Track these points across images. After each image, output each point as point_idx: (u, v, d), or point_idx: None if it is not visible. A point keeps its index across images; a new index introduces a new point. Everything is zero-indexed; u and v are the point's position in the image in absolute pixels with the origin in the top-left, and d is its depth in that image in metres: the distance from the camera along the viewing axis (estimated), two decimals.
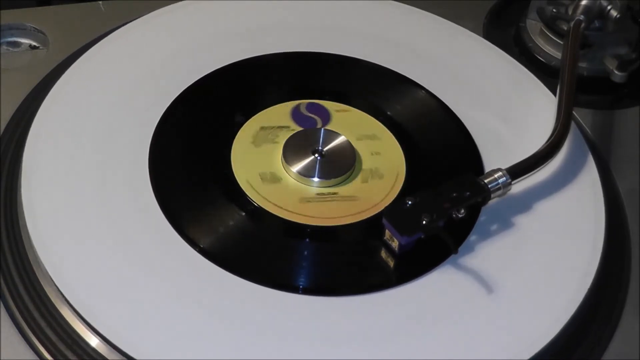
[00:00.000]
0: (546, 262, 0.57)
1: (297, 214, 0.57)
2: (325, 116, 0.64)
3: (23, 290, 0.54)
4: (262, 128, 0.62)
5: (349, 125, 0.64)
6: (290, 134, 0.62)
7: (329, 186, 0.59)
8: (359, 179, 0.61)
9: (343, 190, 0.60)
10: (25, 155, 0.58)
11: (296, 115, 0.63)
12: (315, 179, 0.59)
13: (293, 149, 0.61)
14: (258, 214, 0.57)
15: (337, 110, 0.65)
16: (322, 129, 0.62)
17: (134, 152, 0.60)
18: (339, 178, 0.60)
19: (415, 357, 0.51)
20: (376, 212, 0.58)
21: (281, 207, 0.57)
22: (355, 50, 0.69)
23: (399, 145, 0.63)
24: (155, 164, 0.59)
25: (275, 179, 0.59)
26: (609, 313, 0.57)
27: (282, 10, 0.72)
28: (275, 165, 0.60)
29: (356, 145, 0.62)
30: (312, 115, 0.64)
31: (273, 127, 0.62)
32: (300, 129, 0.62)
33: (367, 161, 0.62)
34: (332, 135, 0.62)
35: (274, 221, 0.57)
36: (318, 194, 0.59)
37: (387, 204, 0.58)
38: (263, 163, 0.60)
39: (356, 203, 0.59)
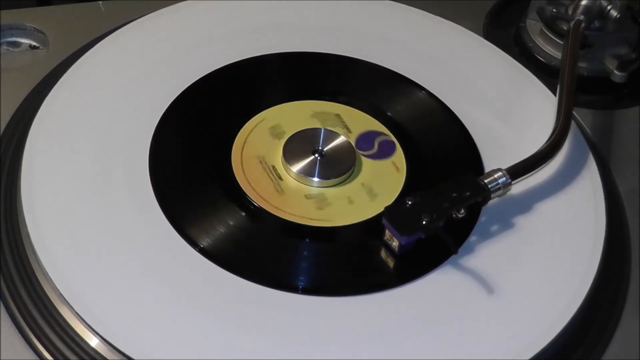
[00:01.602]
0: (546, 262, 0.57)
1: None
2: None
3: (23, 290, 0.54)
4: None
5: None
6: (291, 134, 0.62)
7: (330, 186, 0.59)
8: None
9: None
10: (25, 155, 0.58)
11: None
12: (315, 179, 0.59)
13: (293, 149, 0.61)
14: (258, 214, 0.57)
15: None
16: (322, 128, 0.62)
17: (134, 152, 0.60)
18: (339, 178, 0.60)
19: (415, 357, 0.51)
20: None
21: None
22: (355, 50, 0.69)
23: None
24: (155, 164, 0.59)
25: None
26: (609, 313, 0.57)
27: (282, 10, 0.72)
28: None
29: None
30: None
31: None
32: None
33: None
34: (332, 135, 0.62)
35: (274, 221, 0.57)
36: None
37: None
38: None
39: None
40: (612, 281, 0.58)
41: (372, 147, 0.63)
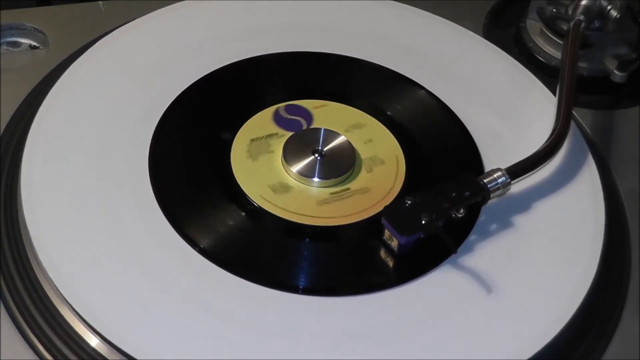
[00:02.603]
0: (546, 262, 0.57)
1: (319, 217, 0.57)
2: (307, 115, 0.64)
3: (23, 290, 0.54)
4: (253, 140, 0.61)
5: (332, 118, 0.64)
6: (286, 138, 0.62)
7: (330, 186, 0.60)
8: (363, 170, 0.61)
9: (353, 184, 0.60)
10: (25, 155, 0.58)
11: (279, 120, 0.63)
12: (316, 179, 0.59)
13: (293, 149, 0.61)
14: (258, 214, 0.57)
15: (316, 107, 0.64)
16: (322, 128, 0.62)
17: (134, 152, 0.60)
18: (339, 178, 0.60)
19: (415, 357, 0.51)
20: (393, 197, 0.59)
21: (302, 214, 0.57)
22: (355, 50, 0.69)
23: (385, 128, 0.64)
24: (155, 164, 0.59)
25: (285, 188, 0.59)
26: (609, 313, 0.57)
27: (282, 10, 0.72)
28: (280, 174, 0.60)
29: (346, 136, 0.62)
30: (294, 117, 0.63)
31: (262, 137, 0.62)
32: (289, 133, 0.62)
33: (363, 150, 0.62)
34: (332, 135, 0.62)
35: (274, 221, 0.57)
36: (332, 193, 0.59)
37: (400, 187, 0.59)
38: (268, 175, 0.60)
39: (371, 194, 0.59)
40: (612, 281, 0.58)
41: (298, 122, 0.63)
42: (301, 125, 0.63)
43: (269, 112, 0.64)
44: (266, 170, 0.60)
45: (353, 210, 0.58)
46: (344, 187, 0.60)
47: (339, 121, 0.64)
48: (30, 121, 0.60)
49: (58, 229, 0.55)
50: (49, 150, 0.59)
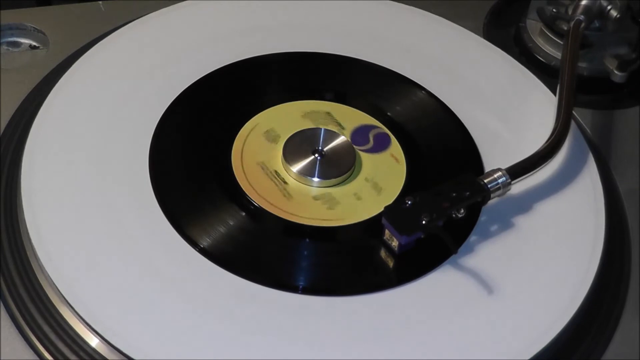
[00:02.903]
0: (546, 262, 0.57)
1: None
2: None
3: (23, 290, 0.54)
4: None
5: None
6: (290, 134, 0.62)
7: (331, 186, 0.59)
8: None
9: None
10: (25, 155, 0.58)
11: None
12: (316, 179, 0.59)
13: (293, 149, 0.61)
14: (258, 214, 0.57)
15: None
16: (322, 128, 0.63)
17: (134, 152, 0.60)
18: (340, 177, 0.60)
19: (415, 357, 0.51)
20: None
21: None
22: (355, 50, 0.69)
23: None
24: (155, 164, 0.59)
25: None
26: (609, 313, 0.57)
27: (282, 10, 0.72)
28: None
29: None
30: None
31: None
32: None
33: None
34: (332, 135, 0.62)
35: (274, 221, 0.57)
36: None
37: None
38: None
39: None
40: (612, 281, 0.58)
41: (367, 141, 0.63)
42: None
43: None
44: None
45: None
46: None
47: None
48: (30, 121, 0.60)
49: (58, 229, 0.54)
50: (49, 150, 0.59)
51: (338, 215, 0.58)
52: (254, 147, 0.61)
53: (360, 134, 0.63)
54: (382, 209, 0.55)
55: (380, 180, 0.60)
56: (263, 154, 0.61)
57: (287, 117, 0.64)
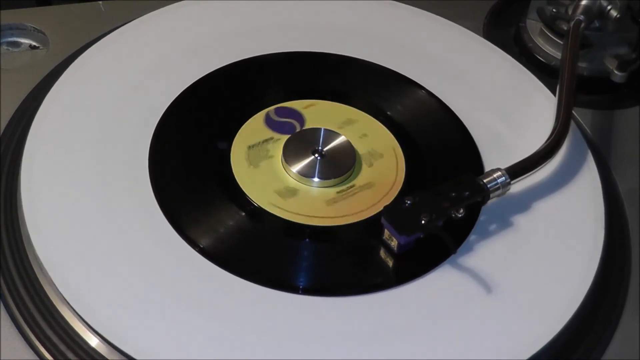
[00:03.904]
0: (546, 262, 0.57)
1: (329, 217, 0.58)
2: (298, 116, 0.64)
3: (23, 290, 0.54)
4: (250, 147, 0.61)
5: (323, 117, 0.64)
6: (282, 141, 0.62)
7: (331, 185, 0.60)
8: (364, 165, 0.61)
9: (357, 181, 0.60)
10: (25, 155, 0.58)
11: (271, 123, 0.63)
12: (315, 179, 0.59)
13: (293, 149, 0.61)
14: (258, 214, 0.57)
15: (305, 107, 0.64)
16: (322, 129, 0.63)
17: (134, 152, 0.60)
18: (339, 178, 0.60)
19: (415, 357, 0.51)
20: (398, 188, 0.59)
21: (313, 216, 0.57)
22: (355, 50, 0.69)
23: (378, 122, 0.64)
24: (155, 164, 0.59)
25: (292, 191, 0.59)
26: (609, 313, 0.57)
27: (282, 10, 0.72)
28: (284, 178, 0.60)
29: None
30: (286, 120, 0.63)
31: (259, 143, 0.61)
32: (285, 136, 0.62)
33: (359, 145, 0.62)
34: (332, 135, 0.62)
35: (274, 221, 0.57)
36: (338, 192, 0.59)
37: (402, 178, 0.60)
38: (272, 181, 0.59)
39: (376, 188, 0.60)
40: (612, 281, 0.58)
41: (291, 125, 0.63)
42: (294, 127, 0.63)
43: (260, 116, 0.63)
44: (269, 175, 0.60)
45: (361, 207, 0.58)
46: (349, 185, 0.60)
47: (330, 119, 0.64)
48: (30, 121, 0.60)
49: (58, 229, 0.55)
50: (49, 150, 0.59)
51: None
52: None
53: (278, 125, 0.63)
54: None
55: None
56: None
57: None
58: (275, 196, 0.58)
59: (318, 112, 0.64)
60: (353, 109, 0.65)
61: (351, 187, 0.60)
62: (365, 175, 0.61)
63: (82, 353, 0.51)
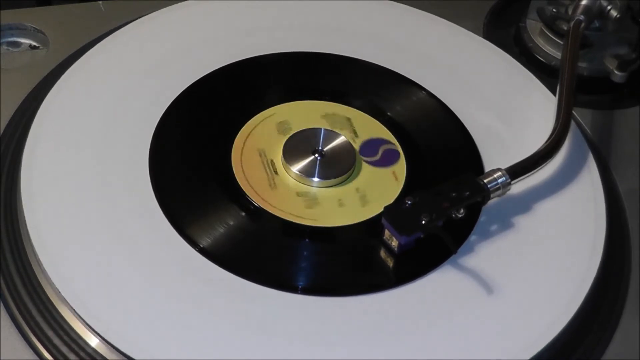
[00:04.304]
0: (546, 262, 0.57)
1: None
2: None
3: (23, 290, 0.54)
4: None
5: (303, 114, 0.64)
6: (290, 135, 0.62)
7: (328, 186, 0.60)
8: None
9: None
10: (25, 155, 0.58)
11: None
12: (315, 179, 0.59)
13: (293, 149, 0.61)
14: (258, 214, 0.57)
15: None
16: (322, 129, 0.63)
17: (134, 152, 0.60)
18: (340, 178, 0.60)
19: (415, 357, 0.51)
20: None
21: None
22: (355, 50, 0.69)
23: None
24: (155, 164, 0.59)
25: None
26: (609, 313, 0.57)
27: (282, 10, 0.72)
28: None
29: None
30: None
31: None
32: None
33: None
34: (332, 135, 0.62)
35: (274, 221, 0.57)
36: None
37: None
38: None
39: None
40: (612, 281, 0.58)
41: (375, 154, 0.62)
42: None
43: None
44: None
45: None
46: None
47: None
48: (30, 121, 0.60)
49: (58, 229, 0.55)
50: (49, 150, 0.59)
51: (314, 216, 0.58)
52: (261, 135, 0.62)
53: (370, 146, 0.63)
54: (357, 221, 0.56)
55: (370, 193, 0.60)
56: (267, 142, 0.61)
57: (307, 114, 0.64)
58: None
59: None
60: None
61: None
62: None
63: (82, 353, 0.51)
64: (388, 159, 0.62)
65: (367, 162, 0.62)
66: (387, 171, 0.61)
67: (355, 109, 0.65)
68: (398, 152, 0.62)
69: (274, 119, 0.63)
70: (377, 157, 0.62)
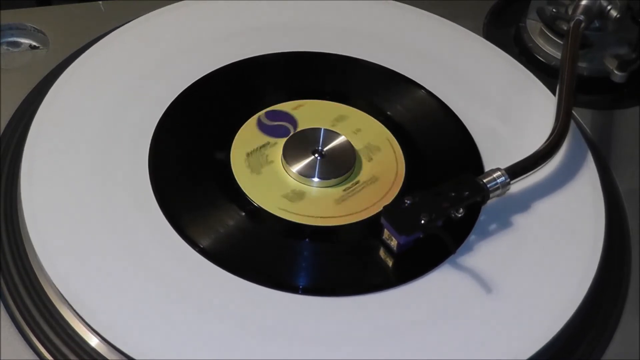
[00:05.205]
0: (546, 262, 0.57)
1: (339, 216, 0.58)
2: (289, 118, 0.64)
3: (23, 290, 0.54)
4: (248, 154, 0.61)
5: (314, 116, 0.64)
6: (278, 145, 0.62)
7: (332, 185, 0.60)
8: (364, 160, 0.61)
9: (361, 176, 0.60)
10: (25, 155, 0.58)
11: (264, 128, 0.63)
12: (315, 179, 0.59)
13: (293, 149, 0.61)
14: (258, 214, 0.57)
15: (294, 108, 0.64)
16: (322, 128, 0.63)
17: (134, 152, 0.60)
18: (339, 178, 0.60)
19: (415, 357, 0.51)
20: (402, 179, 0.60)
21: (322, 217, 0.57)
22: (355, 50, 0.69)
23: (368, 115, 0.64)
24: (155, 164, 0.59)
25: (299, 194, 0.59)
26: (609, 313, 0.57)
27: (282, 10, 0.72)
28: (289, 183, 0.60)
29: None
30: (278, 123, 0.63)
31: (256, 149, 0.61)
32: (281, 139, 0.62)
33: (355, 141, 0.62)
34: (332, 135, 0.62)
35: (274, 221, 0.57)
36: (345, 189, 0.59)
37: (402, 169, 0.60)
38: (278, 186, 0.59)
39: (381, 181, 0.60)
40: (612, 281, 0.58)
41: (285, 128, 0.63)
42: (288, 130, 0.63)
43: (252, 121, 0.63)
44: (273, 181, 0.60)
45: (369, 202, 0.59)
46: (354, 181, 0.60)
47: (321, 117, 0.64)
48: (30, 121, 0.60)
49: (58, 229, 0.55)
50: (49, 150, 0.59)
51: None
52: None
53: (271, 129, 0.63)
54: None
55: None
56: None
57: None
58: (284, 201, 0.58)
59: (308, 112, 0.64)
60: (342, 105, 0.65)
61: (356, 183, 0.60)
62: (366, 170, 0.61)
63: (82, 353, 0.51)
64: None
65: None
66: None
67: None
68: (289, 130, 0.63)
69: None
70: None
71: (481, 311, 0.53)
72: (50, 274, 0.52)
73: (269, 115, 0.63)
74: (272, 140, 0.62)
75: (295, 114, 0.64)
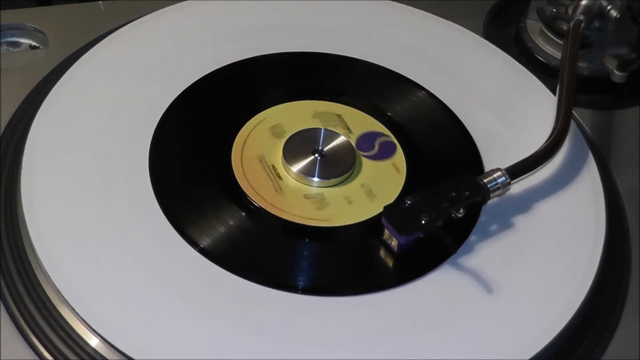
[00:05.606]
0: (546, 262, 0.57)
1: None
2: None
3: (23, 290, 0.54)
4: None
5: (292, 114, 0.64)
6: (290, 135, 0.62)
7: (330, 186, 0.60)
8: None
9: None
10: (25, 155, 0.58)
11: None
12: (316, 179, 0.59)
13: (293, 149, 0.61)
14: (258, 214, 0.57)
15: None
16: (322, 128, 0.63)
17: (134, 152, 0.60)
18: (340, 177, 0.60)
19: (415, 358, 0.51)
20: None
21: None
22: (355, 50, 0.69)
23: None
24: (155, 164, 0.59)
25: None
26: (609, 313, 0.57)
27: (282, 10, 0.72)
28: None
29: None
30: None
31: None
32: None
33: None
34: (332, 135, 0.62)
35: (274, 221, 0.57)
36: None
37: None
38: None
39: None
40: (612, 281, 0.58)
41: (372, 147, 0.63)
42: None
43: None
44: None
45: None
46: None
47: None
48: (30, 121, 0.60)
49: (58, 229, 0.55)
50: (49, 150, 0.59)
51: (325, 217, 0.58)
52: (257, 141, 0.61)
53: (366, 140, 0.63)
54: (369, 216, 0.56)
55: (376, 187, 0.60)
56: (265, 148, 0.61)
57: (297, 115, 0.64)
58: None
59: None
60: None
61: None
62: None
63: (82, 353, 0.51)
64: (386, 152, 0.62)
65: (365, 156, 0.62)
66: (387, 163, 0.61)
67: (344, 105, 0.65)
68: (394, 143, 0.63)
69: (270, 120, 0.63)
70: (375, 151, 0.62)
71: (481, 311, 0.53)
72: (50, 274, 0.52)
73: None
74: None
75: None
